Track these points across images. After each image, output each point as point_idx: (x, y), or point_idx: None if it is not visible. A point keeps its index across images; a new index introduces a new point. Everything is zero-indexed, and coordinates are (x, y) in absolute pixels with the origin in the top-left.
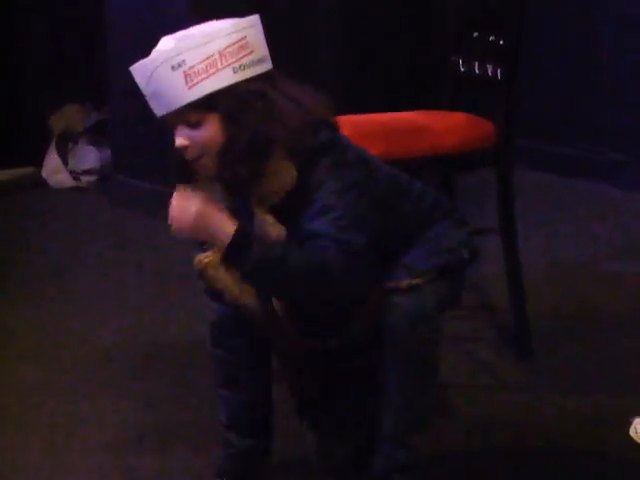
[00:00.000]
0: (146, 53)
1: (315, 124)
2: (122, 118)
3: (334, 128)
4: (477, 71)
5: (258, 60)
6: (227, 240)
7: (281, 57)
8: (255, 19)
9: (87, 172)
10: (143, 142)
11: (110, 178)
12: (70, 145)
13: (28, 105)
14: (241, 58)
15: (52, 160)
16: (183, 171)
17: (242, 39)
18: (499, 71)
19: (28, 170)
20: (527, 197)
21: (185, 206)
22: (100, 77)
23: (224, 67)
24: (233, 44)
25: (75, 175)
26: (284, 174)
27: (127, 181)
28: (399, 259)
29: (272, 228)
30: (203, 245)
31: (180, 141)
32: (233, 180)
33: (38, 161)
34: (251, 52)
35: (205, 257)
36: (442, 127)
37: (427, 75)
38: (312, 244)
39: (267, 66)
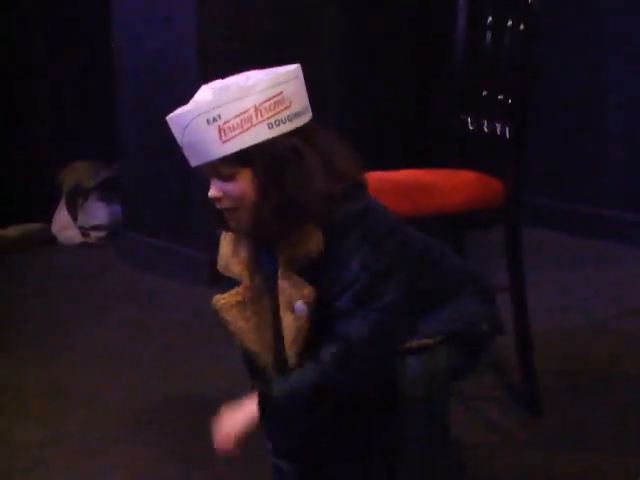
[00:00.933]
0: (155, 112)
1: (346, 191)
2: (132, 175)
3: (364, 191)
4: (486, 129)
5: (295, 114)
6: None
7: None
8: (296, 70)
9: (96, 228)
10: (152, 199)
11: (119, 235)
12: (80, 201)
13: (38, 161)
14: (277, 113)
15: (62, 216)
16: (217, 218)
17: (279, 94)
18: (507, 130)
19: (38, 226)
20: (539, 255)
21: (228, 433)
22: (110, 134)
23: (259, 123)
24: (269, 99)
25: (84, 231)
26: (310, 241)
27: (136, 238)
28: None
29: (295, 289)
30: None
31: (213, 192)
32: (261, 236)
33: (48, 217)
34: (288, 106)
35: (222, 298)
36: (449, 185)
37: (436, 133)
38: (335, 346)
39: (305, 119)
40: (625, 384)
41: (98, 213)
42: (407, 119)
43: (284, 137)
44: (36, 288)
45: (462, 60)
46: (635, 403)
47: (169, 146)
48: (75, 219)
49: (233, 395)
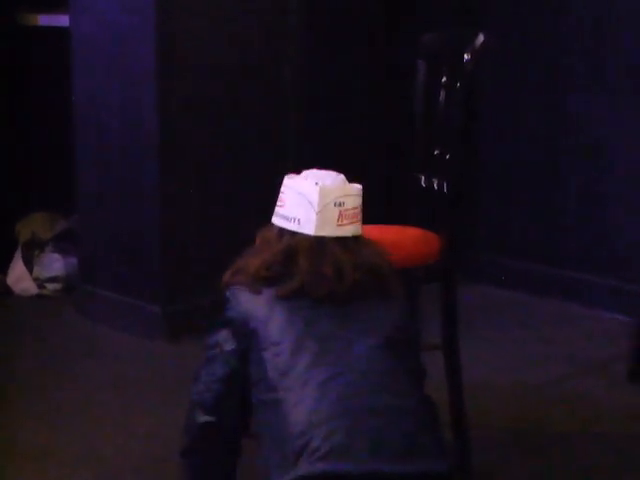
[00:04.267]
0: (113, 165)
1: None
2: (89, 227)
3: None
4: (436, 187)
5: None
6: None
7: None
8: None
9: (52, 280)
10: (110, 252)
11: (75, 287)
12: (36, 253)
13: None
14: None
15: (17, 268)
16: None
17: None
18: (445, 185)
19: None
20: (494, 313)
21: None
22: (68, 185)
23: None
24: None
25: (40, 283)
26: None
27: (92, 290)
28: None
29: None
30: None
31: None
32: None
33: (4, 269)
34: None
35: None
36: (389, 241)
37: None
38: None
39: None
40: (578, 443)
41: (54, 265)
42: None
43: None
44: None
45: (419, 118)
46: (586, 461)
47: (126, 199)
48: (31, 271)
49: None
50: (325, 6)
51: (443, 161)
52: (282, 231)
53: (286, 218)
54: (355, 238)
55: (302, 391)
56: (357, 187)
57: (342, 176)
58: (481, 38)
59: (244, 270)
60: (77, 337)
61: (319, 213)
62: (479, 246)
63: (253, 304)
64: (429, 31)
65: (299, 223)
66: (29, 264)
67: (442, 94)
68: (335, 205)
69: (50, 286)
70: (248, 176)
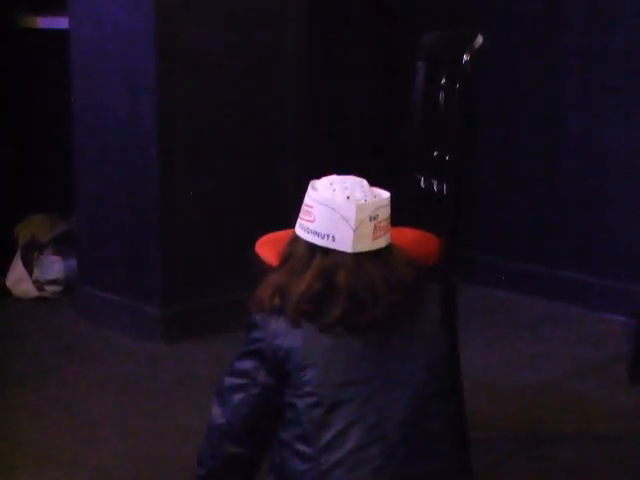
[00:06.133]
0: (112, 166)
1: None
2: (88, 229)
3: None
4: (435, 189)
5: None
6: None
7: None
8: None
9: (52, 282)
10: (109, 253)
11: (75, 289)
12: (35, 255)
13: None
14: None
15: (17, 270)
16: None
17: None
18: (444, 186)
19: None
20: (491, 316)
21: None
22: (67, 187)
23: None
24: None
25: (39, 285)
26: None
27: (92, 292)
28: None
29: None
30: None
31: None
32: None
33: (3, 270)
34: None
35: None
36: None
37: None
38: None
39: None
40: (578, 445)
41: (54, 267)
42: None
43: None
44: None
45: (418, 120)
46: (583, 462)
47: (125, 201)
48: (30, 273)
49: (188, 451)
50: (325, 9)
51: (442, 162)
52: (313, 247)
53: (318, 234)
54: (387, 248)
55: (336, 454)
56: (387, 196)
57: (365, 182)
58: (480, 39)
59: (284, 294)
60: (76, 339)
61: (356, 230)
62: (478, 247)
63: (290, 341)
64: (427, 32)
65: (334, 240)
66: (29, 266)
67: (441, 95)
68: (370, 220)
69: (49, 288)
70: (248, 179)
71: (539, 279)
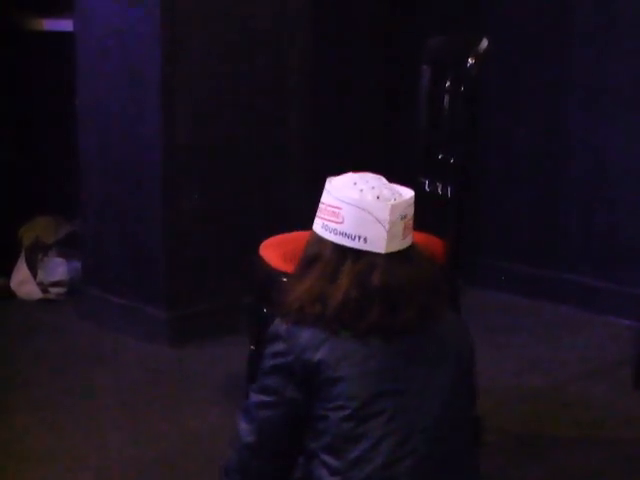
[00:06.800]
0: (116, 168)
1: None
2: (92, 231)
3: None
4: (440, 192)
5: None
6: None
7: None
8: None
9: (56, 284)
10: (113, 255)
11: (79, 291)
12: (40, 257)
13: None
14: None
15: (21, 272)
16: None
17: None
18: (449, 189)
19: None
20: (495, 319)
21: None
22: (72, 189)
23: (412, 231)
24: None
25: (43, 287)
26: None
27: (96, 294)
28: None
29: None
30: None
31: None
32: None
33: (7, 272)
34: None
35: None
36: None
37: None
38: None
39: None
40: (583, 448)
41: (58, 269)
42: None
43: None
44: None
45: (422, 123)
46: (589, 466)
47: (130, 203)
48: (35, 275)
49: (192, 455)
50: (328, 12)
51: (447, 165)
52: (343, 249)
53: (347, 236)
54: (412, 246)
55: (366, 470)
56: (412, 194)
57: (384, 179)
58: (485, 43)
59: (322, 301)
60: (80, 341)
61: (389, 231)
62: (482, 250)
63: (320, 354)
64: (430, 34)
65: (365, 241)
66: (33, 268)
67: (446, 99)
68: (401, 219)
69: (54, 290)
70: (252, 181)
71: (543, 282)
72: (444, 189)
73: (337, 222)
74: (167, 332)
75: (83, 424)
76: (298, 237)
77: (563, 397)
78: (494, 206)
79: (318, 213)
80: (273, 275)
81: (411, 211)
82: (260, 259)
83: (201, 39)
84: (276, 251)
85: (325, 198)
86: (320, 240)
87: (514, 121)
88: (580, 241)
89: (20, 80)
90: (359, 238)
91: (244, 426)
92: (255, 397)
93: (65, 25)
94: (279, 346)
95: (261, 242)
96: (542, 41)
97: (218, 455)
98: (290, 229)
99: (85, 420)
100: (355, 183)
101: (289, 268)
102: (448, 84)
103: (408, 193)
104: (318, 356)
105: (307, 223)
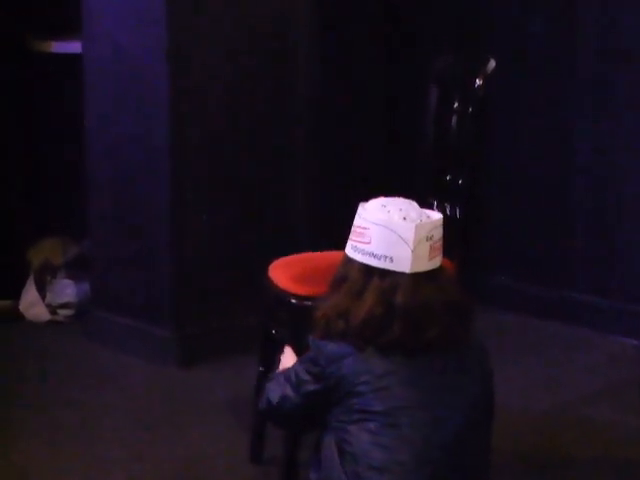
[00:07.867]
0: (125, 190)
1: None
2: (101, 252)
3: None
4: (448, 213)
5: None
6: None
7: None
8: None
9: (64, 306)
10: (121, 277)
11: (87, 313)
12: (48, 279)
13: (6, 238)
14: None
15: (29, 294)
16: None
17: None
18: (457, 210)
19: (6, 303)
20: (501, 338)
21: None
22: (80, 211)
23: (441, 252)
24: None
25: (52, 309)
26: None
27: (104, 316)
28: None
29: None
30: None
31: None
32: None
33: (16, 294)
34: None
35: None
36: None
37: None
38: None
39: None
40: (589, 469)
41: (66, 291)
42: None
43: None
44: (1, 366)
45: (429, 143)
46: None
47: (138, 224)
48: (43, 297)
49: (200, 476)
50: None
51: (455, 186)
52: (369, 269)
53: (374, 256)
54: (440, 269)
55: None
56: (440, 217)
57: (415, 203)
58: (492, 63)
59: (347, 318)
60: (89, 363)
61: (414, 250)
62: (489, 270)
63: (343, 370)
64: (439, 54)
65: (391, 261)
66: (42, 290)
67: (454, 119)
68: (427, 240)
69: (62, 312)
70: (261, 201)
71: (552, 302)
72: (452, 210)
73: (365, 242)
74: (175, 353)
75: (90, 447)
76: (307, 258)
77: (572, 417)
78: (502, 225)
79: (350, 236)
80: (282, 296)
81: (439, 233)
82: (269, 280)
83: (209, 56)
84: (285, 272)
85: (356, 221)
86: (349, 261)
87: (523, 139)
88: (588, 260)
89: (28, 101)
90: (385, 258)
91: (270, 389)
92: (291, 372)
93: (73, 47)
94: (311, 354)
95: (269, 262)
96: (549, 58)
97: (226, 476)
98: (299, 248)
99: (92, 442)
100: (384, 205)
101: (298, 289)
102: (456, 105)
103: (436, 216)
104: (342, 370)
105: (316, 242)
